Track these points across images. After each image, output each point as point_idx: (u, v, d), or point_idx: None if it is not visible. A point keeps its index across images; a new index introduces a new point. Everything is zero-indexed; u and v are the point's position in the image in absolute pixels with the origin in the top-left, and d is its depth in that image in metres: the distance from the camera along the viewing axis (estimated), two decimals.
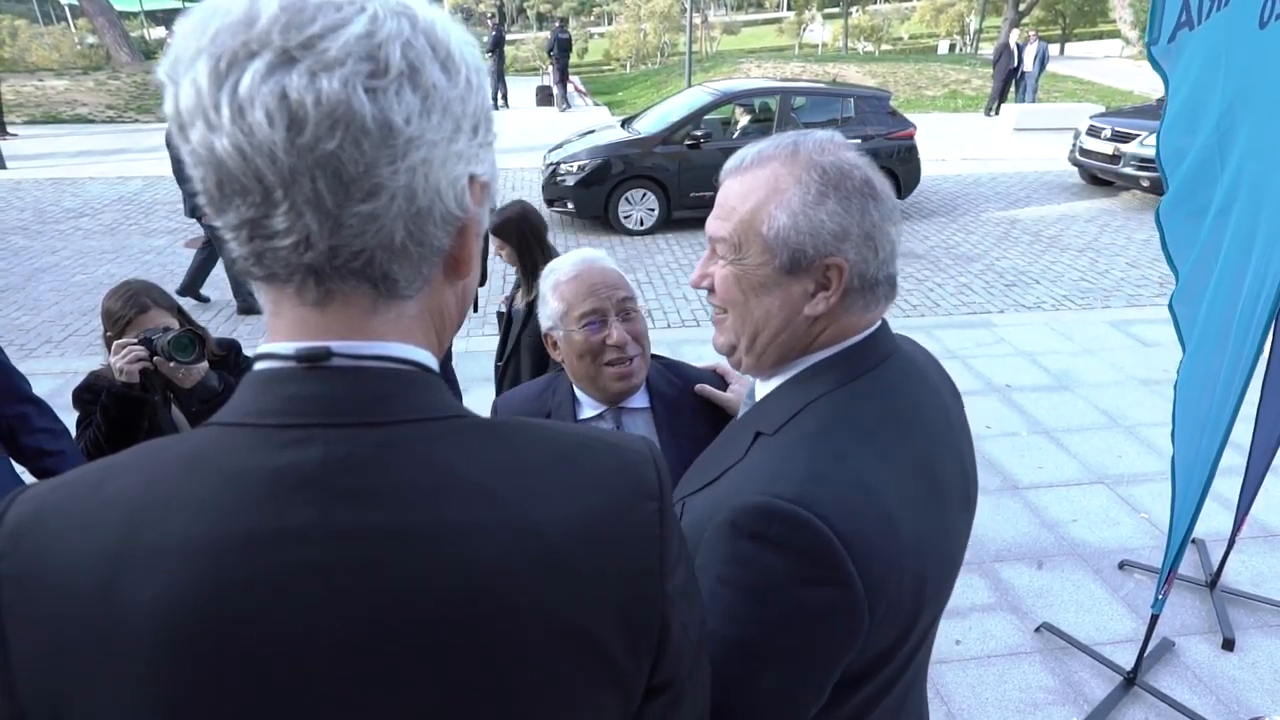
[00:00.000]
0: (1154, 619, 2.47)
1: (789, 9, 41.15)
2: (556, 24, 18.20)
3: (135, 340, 1.75)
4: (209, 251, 6.14)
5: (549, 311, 1.41)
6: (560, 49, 16.55)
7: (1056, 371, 4.90)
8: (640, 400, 1.45)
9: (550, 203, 8.33)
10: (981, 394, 4.61)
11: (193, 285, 6.20)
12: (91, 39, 24.70)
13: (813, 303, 0.83)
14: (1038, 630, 2.82)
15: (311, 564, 0.48)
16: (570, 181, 8.04)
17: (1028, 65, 15.64)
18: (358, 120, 0.47)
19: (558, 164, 8.20)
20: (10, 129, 13.44)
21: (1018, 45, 15.64)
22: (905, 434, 0.84)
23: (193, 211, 5.76)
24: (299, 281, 0.51)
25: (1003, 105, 15.31)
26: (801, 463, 0.77)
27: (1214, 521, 3.33)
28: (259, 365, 0.53)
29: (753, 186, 0.84)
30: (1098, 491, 3.66)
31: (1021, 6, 22.71)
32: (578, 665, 0.53)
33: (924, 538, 0.80)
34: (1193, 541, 3.23)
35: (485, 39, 16.89)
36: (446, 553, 0.50)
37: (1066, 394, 4.61)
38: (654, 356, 1.51)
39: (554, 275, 1.42)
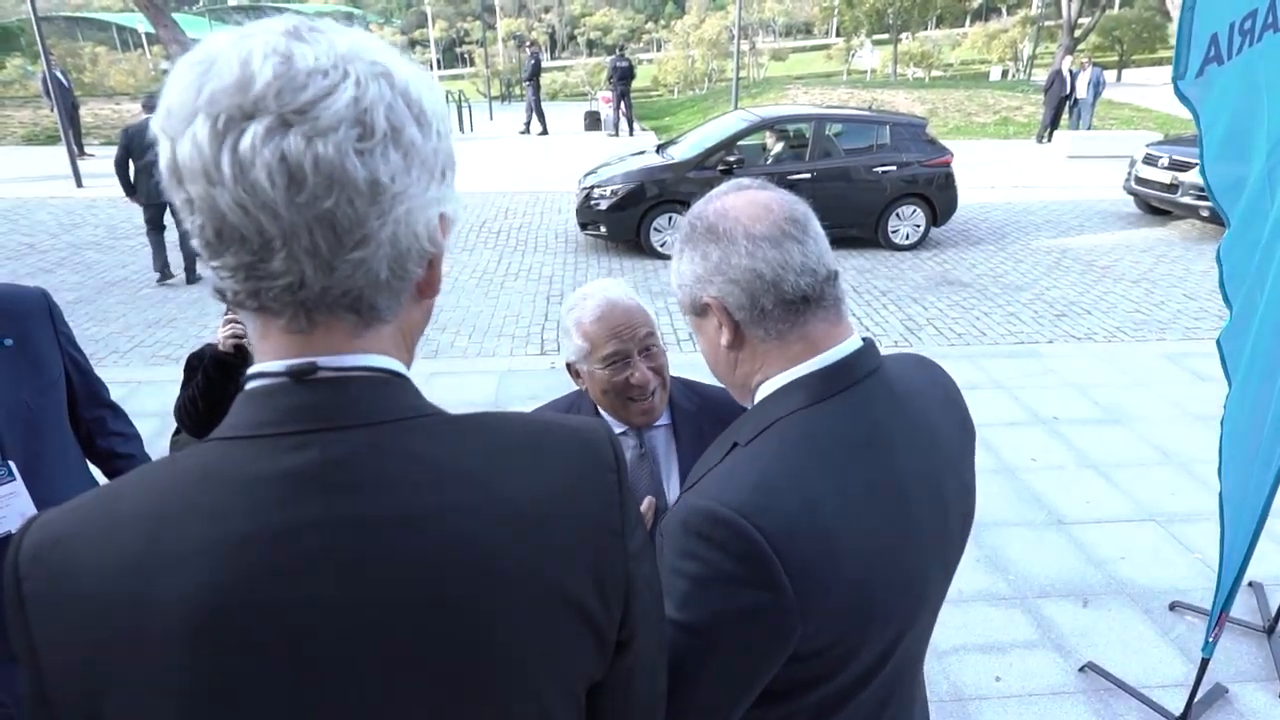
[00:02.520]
0: (1204, 662, 2.38)
1: (838, 35, 41.17)
2: (617, 51, 18.49)
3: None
4: (157, 234, 7.21)
5: (573, 347, 1.46)
6: (619, 77, 16.85)
7: (1107, 404, 4.77)
8: (662, 417, 1.52)
9: (584, 226, 8.44)
10: (1027, 425, 4.51)
11: (164, 268, 7.32)
12: (165, 64, 25.97)
13: (721, 336, 0.94)
14: (1082, 670, 2.74)
15: (322, 550, 0.55)
16: (603, 205, 8.13)
17: (1081, 92, 15.36)
18: (351, 181, 0.53)
19: (591, 188, 8.30)
20: (88, 149, 14.19)
21: (1070, 72, 15.39)
22: (866, 457, 0.89)
23: (129, 192, 7.15)
24: (290, 314, 0.57)
25: (1055, 132, 15.05)
26: (754, 474, 0.84)
27: (1272, 564, 3.20)
28: (251, 384, 0.59)
29: None
30: (1148, 529, 3.55)
31: (1077, 33, 22.37)
32: (560, 619, 0.61)
33: (875, 557, 0.86)
34: (1249, 584, 3.11)
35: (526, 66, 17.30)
36: (436, 532, 0.57)
37: (1117, 427, 4.49)
38: (673, 377, 1.56)
39: (576, 313, 1.45)
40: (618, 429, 1.50)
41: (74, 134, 12.97)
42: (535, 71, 17.18)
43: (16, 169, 13.15)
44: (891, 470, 0.90)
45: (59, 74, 12.60)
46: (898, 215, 8.40)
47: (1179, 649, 2.84)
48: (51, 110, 13.17)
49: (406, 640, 0.56)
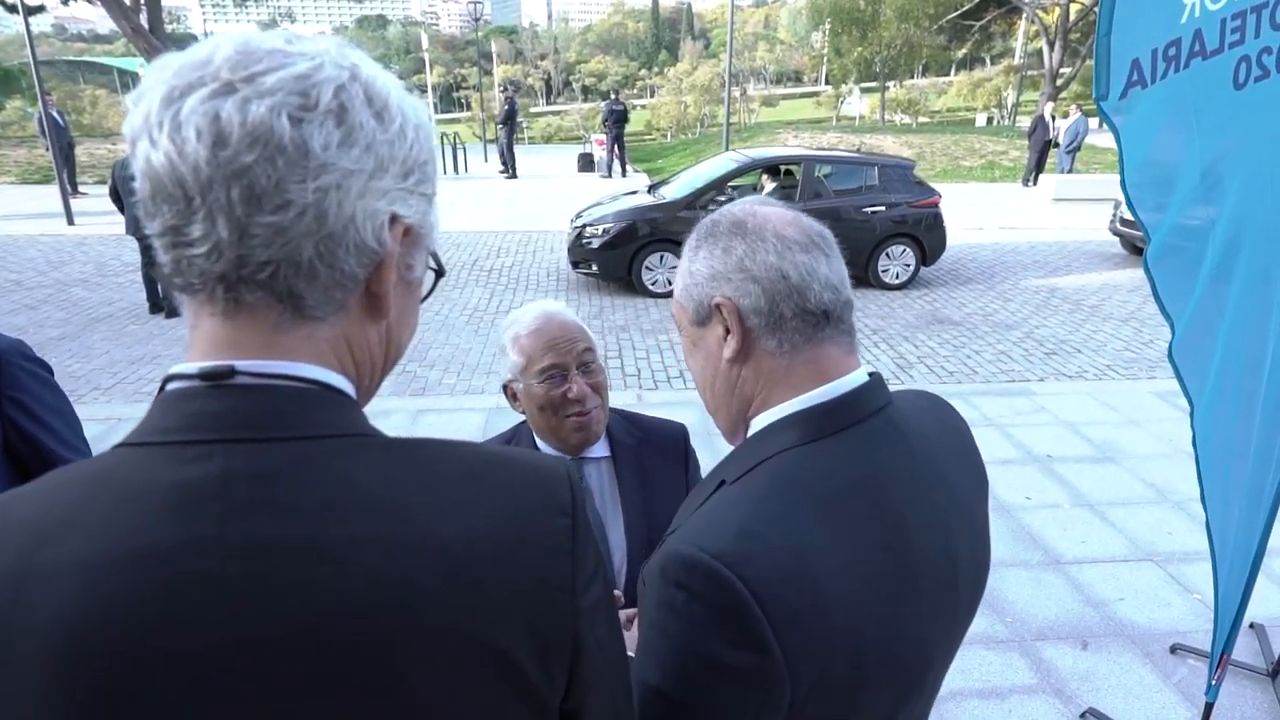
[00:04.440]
0: (1209, 707, 2.31)
1: (826, 83, 42.14)
2: (612, 96, 18.82)
3: None
4: (149, 263, 7.35)
5: (508, 364, 1.41)
6: (615, 120, 17.12)
7: (1100, 442, 4.74)
8: (600, 450, 1.48)
9: (576, 265, 8.45)
10: (1021, 464, 4.47)
11: (160, 300, 7.41)
12: None
13: (725, 346, 0.85)
14: (1083, 716, 2.64)
15: (207, 576, 0.49)
16: (595, 244, 8.16)
17: (1061, 138, 15.70)
18: (276, 140, 0.50)
19: (583, 227, 8.34)
20: (81, 188, 14.25)
21: (1052, 117, 15.75)
22: (868, 505, 0.79)
23: (131, 227, 6.97)
24: (209, 290, 0.54)
25: (1040, 176, 15.32)
26: (738, 517, 0.75)
27: (1273, 606, 3.13)
28: (168, 386, 0.55)
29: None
30: (1146, 569, 3.48)
31: (1059, 81, 22.94)
32: (486, 680, 0.53)
33: (870, 618, 0.75)
34: (1250, 626, 3.04)
35: (503, 109, 17.57)
36: (345, 564, 0.50)
37: (1111, 466, 4.45)
38: (612, 409, 1.53)
39: (514, 328, 1.42)
40: None
41: (68, 173, 13.02)
42: (510, 116, 17.42)
43: (9, 207, 13.17)
44: (895, 521, 0.79)
45: (54, 113, 12.70)
46: (887, 255, 8.47)
47: (1182, 694, 2.75)
48: (46, 150, 13.25)
49: (301, 688, 0.49)
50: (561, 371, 1.37)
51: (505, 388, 1.46)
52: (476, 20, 25.30)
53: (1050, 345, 6.70)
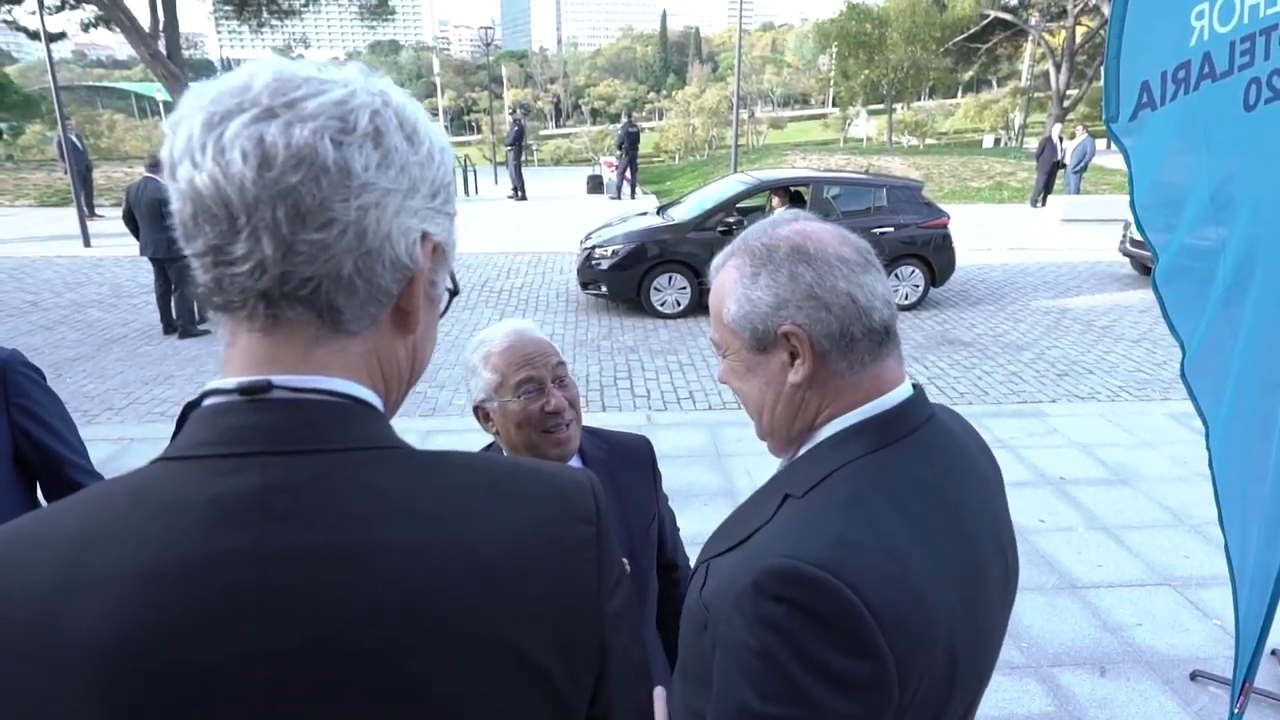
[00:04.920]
0: None
1: (833, 105, 42.43)
2: (626, 119, 19.01)
3: None
4: (163, 285, 7.47)
5: (481, 384, 1.40)
6: (630, 142, 17.29)
7: (1114, 464, 4.69)
8: (574, 464, 1.48)
9: (585, 285, 8.48)
10: (1034, 486, 4.42)
11: (174, 321, 7.50)
12: None
13: (792, 371, 0.85)
14: None
15: (246, 586, 0.50)
16: (605, 265, 8.20)
17: (1068, 159, 15.73)
18: (320, 161, 0.53)
19: (593, 248, 8.38)
20: (98, 210, 14.46)
21: (1061, 139, 15.79)
22: (939, 506, 0.81)
23: (147, 250, 7.32)
24: (250, 307, 0.55)
25: (1049, 197, 15.34)
26: (831, 527, 0.75)
27: None
28: (206, 402, 0.56)
29: (717, 288, 0.92)
30: (1164, 594, 3.43)
31: (1066, 103, 23.03)
32: (513, 685, 0.54)
33: (957, 614, 0.77)
34: (1273, 653, 2.98)
35: (512, 131, 17.76)
36: (378, 573, 0.52)
37: (1126, 488, 4.40)
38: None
39: (485, 347, 1.41)
40: None
41: (85, 195, 13.23)
42: (518, 138, 17.62)
43: (27, 229, 13.38)
44: (959, 520, 0.83)
45: (73, 137, 12.92)
46: (896, 276, 8.47)
47: None
48: (65, 173, 13.47)
49: (326, 690, 0.50)
50: (538, 385, 1.37)
51: (476, 409, 1.44)
52: (487, 45, 25.68)
53: (1062, 366, 6.67)
